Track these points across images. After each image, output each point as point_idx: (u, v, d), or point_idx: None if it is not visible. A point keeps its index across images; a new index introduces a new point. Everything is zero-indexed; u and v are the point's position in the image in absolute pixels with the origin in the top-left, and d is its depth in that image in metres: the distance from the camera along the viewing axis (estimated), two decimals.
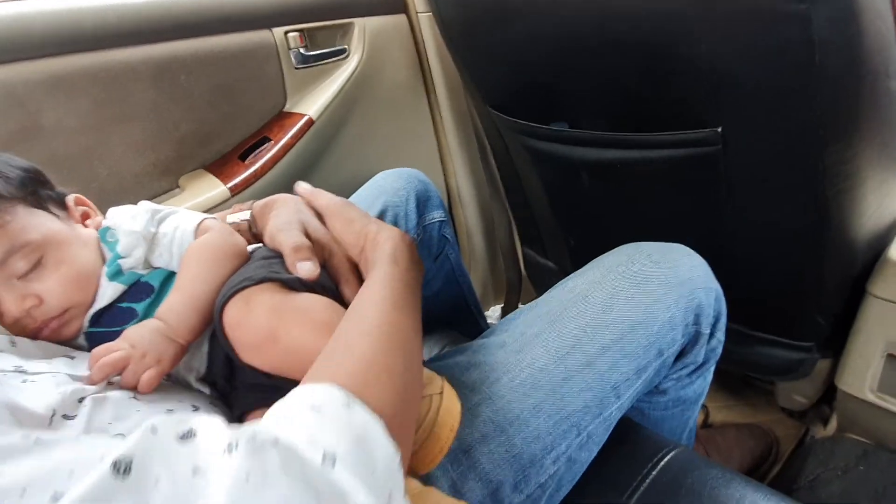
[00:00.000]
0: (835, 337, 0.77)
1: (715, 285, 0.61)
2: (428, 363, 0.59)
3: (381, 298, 0.45)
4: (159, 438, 0.28)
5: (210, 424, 0.31)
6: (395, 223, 0.79)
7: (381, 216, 0.78)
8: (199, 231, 0.53)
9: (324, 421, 0.33)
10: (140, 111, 0.84)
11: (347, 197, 0.83)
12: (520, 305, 1.27)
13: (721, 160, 0.64)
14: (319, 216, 0.55)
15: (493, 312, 1.35)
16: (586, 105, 0.74)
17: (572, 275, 0.63)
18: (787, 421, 1.03)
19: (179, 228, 0.53)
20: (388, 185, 0.81)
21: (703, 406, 1.09)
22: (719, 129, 0.62)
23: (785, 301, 0.76)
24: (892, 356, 0.72)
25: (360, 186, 0.84)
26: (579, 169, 0.80)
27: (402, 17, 1.06)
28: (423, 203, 0.81)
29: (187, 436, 0.29)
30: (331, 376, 0.37)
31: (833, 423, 0.91)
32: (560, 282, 0.63)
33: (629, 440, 0.57)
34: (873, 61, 0.54)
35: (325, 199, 0.56)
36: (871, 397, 0.75)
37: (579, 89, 0.72)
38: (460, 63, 0.90)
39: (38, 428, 0.33)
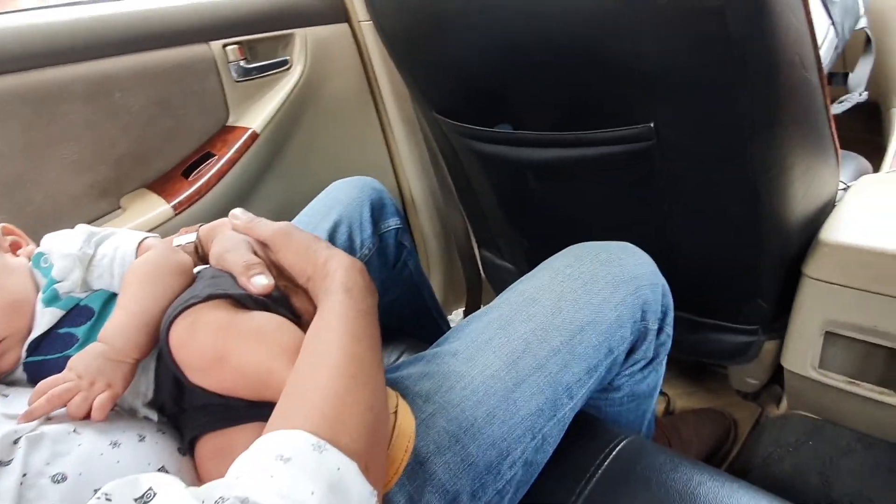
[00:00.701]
0: (777, 319, 0.80)
1: (661, 281, 0.62)
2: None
3: (340, 332, 0.43)
4: None
5: (169, 487, 0.29)
6: (350, 234, 0.78)
7: (336, 227, 0.77)
8: (140, 250, 0.52)
9: (294, 471, 0.32)
10: (73, 131, 0.81)
11: (301, 209, 0.82)
12: (482, 307, 1.28)
13: (656, 154, 0.66)
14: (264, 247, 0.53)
15: (455, 316, 1.36)
16: (527, 106, 0.75)
17: (522, 278, 0.64)
18: (743, 403, 1.06)
19: (120, 248, 0.52)
20: (342, 195, 0.81)
21: (665, 394, 1.12)
22: (652, 125, 0.63)
23: (728, 287, 0.79)
24: (829, 334, 0.75)
25: (310, 197, 0.84)
26: (525, 170, 0.81)
27: (343, 27, 1.06)
28: (377, 212, 0.81)
29: (144, 498, 0.28)
30: (297, 421, 0.36)
31: (784, 402, 0.95)
32: (510, 286, 0.64)
33: (582, 432, 0.58)
34: (789, 53, 0.56)
35: (266, 229, 0.53)
36: (814, 374, 0.78)
37: (519, 91, 0.73)
38: (403, 70, 0.90)
39: None
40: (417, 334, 0.90)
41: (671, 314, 0.64)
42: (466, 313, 1.36)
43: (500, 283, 1.16)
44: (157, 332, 0.45)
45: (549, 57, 0.65)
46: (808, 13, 0.59)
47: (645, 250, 0.64)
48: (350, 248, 0.78)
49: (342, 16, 1.05)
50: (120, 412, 0.46)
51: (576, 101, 0.69)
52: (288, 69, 1.00)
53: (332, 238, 0.77)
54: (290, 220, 0.79)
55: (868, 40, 1.18)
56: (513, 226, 0.96)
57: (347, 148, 1.10)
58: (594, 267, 0.60)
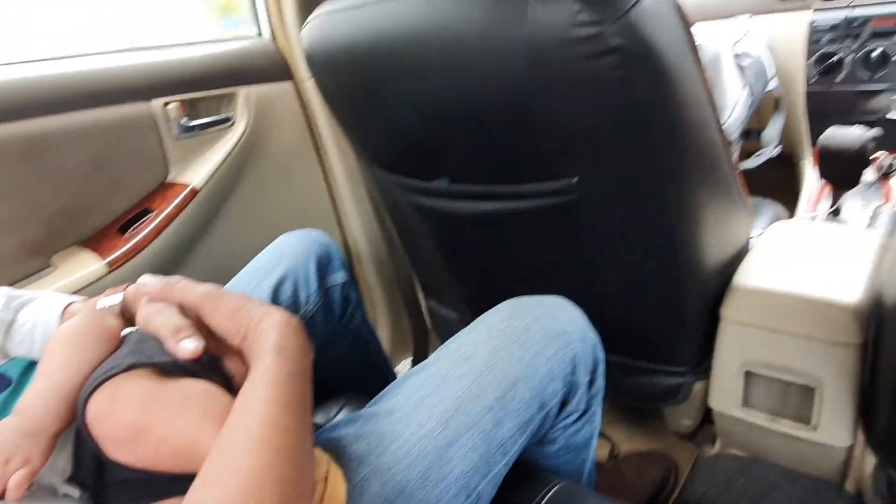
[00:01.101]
0: (703, 360, 0.84)
1: (591, 334, 0.65)
2: (318, 435, 0.58)
3: (267, 399, 0.42)
4: None
5: None
6: (296, 289, 0.78)
7: (281, 283, 0.77)
8: (64, 316, 0.51)
9: None
10: (2, 190, 0.79)
11: (244, 264, 0.81)
12: (429, 355, 1.28)
13: (580, 207, 0.70)
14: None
15: (402, 367, 1.35)
16: (462, 162, 0.79)
17: (459, 333, 0.65)
18: (682, 444, 1.09)
19: (42, 314, 0.50)
20: (288, 250, 0.80)
21: (609, 439, 1.13)
22: (574, 180, 0.68)
23: (656, 331, 0.83)
24: (749, 373, 0.79)
25: (255, 252, 0.83)
26: (462, 221, 0.84)
27: (287, 84, 1.08)
28: (324, 266, 0.81)
29: None
30: (215, 500, 0.35)
31: (718, 442, 0.98)
32: (447, 341, 0.65)
33: (518, 479, 0.59)
34: (690, 116, 0.62)
35: (193, 293, 0.50)
36: (738, 413, 0.82)
37: (453, 148, 0.77)
38: (344, 126, 0.93)
39: None
40: (364, 387, 0.89)
41: (602, 367, 0.66)
42: (414, 363, 1.35)
43: (446, 332, 1.17)
44: None
45: (477, 118, 0.69)
46: (705, 82, 0.66)
47: (577, 296, 0.67)
48: (295, 304, 0.78)
49: (286, 74, 1.08)
50: (38, 490, 0.43)
51: (505, 158, 0.73)
52: (231, 126, 1.01)
53: (276, 294, 0.77)
54: (234, 276, 0.79)
55: (777, 100, 1.30)
56: (454, 275, 0.99)
57: (291, 202, 1.11)
58: (527, 322, 0.61)
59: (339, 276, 0.83)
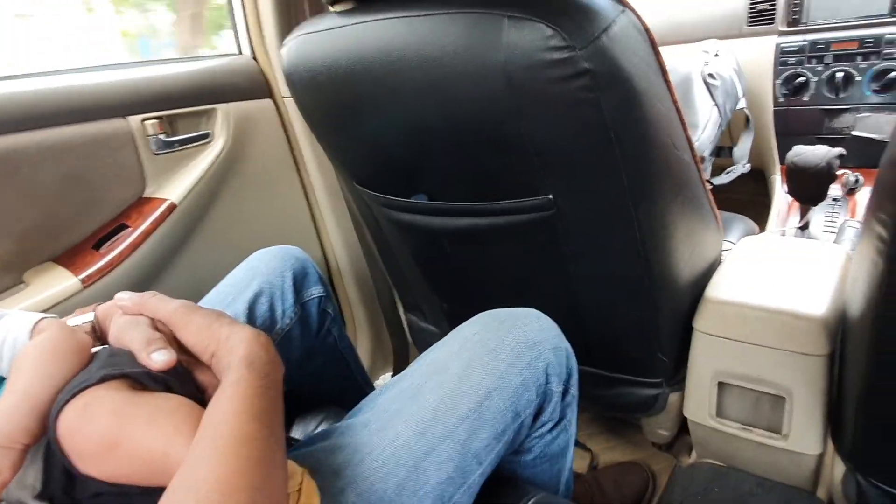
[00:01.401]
0: (678, 371, 0.86)
1: (564, 344, 0.66)
2: (294, 449, 0.58)
3: (235, 411, 0.43)
4: None
5: None
6: (272, 304, 0.78)
7: (257, 298, 0.77)
8: (34, 332, 0.50)
9: None
10: None
11: (220, 279, 0.81)
12: None
13: (556, 222, 0.71)
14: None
15: (383, 381, 1.35)
16: (440, 179, 0.80)
17: (434, 346, 0.66)
18: (660, 454, 1.10)
19: (11, 331, 0.50)
20: (263, 266, 0.80)
21: (589, 450, 1.14)
22: (550, 196, 0.69)
23: (632, 343, 0.84)
24: (721, 384, 0.81)
25: (232, 268, 0.83)
26: (440, 237, 0.85)
27: (267, 101, 1.09)
28: (300, 281, 0.81)
29: None
30: None
31: (694, 452, 0.99)
32: (422, 354, 0.66)
33: (495, 491, 0.59)
34: (660, 137, 0.64)
35: (165, 308, 0.51)
36: (712, 423, 0.84)
37: (432, 166, 0.78)
38: (325, 144, 0.94)
39: None
40: (343, 402, 0.89)
41: (575, 376, 0.67)
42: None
43: (426, 345, 1.16)
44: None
45: (456, 136, 0.70)
46: (675, 102, 0.68)
47: (554, 310, 0.68)
48: (271, 318, 0.78)
49: (266, 92, 1.08)
50: None
51: (483, 175, 0.74)
52: (209, 142, 1.01)
53: (252, 308, 0.77)
54: (209, 291, 0.79)
55: (747, 119, 1.35)
56: (432, 289, 0.99)
57: (272, 218, 1.11)
58: (500, 334, 0.62)
59: (315, 291, 0.83)
